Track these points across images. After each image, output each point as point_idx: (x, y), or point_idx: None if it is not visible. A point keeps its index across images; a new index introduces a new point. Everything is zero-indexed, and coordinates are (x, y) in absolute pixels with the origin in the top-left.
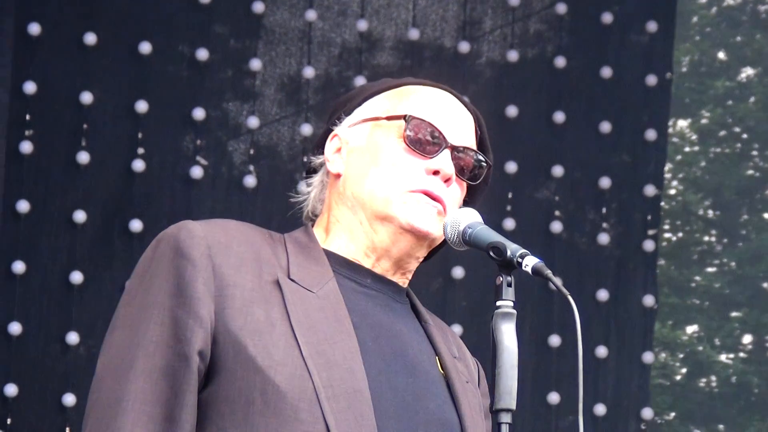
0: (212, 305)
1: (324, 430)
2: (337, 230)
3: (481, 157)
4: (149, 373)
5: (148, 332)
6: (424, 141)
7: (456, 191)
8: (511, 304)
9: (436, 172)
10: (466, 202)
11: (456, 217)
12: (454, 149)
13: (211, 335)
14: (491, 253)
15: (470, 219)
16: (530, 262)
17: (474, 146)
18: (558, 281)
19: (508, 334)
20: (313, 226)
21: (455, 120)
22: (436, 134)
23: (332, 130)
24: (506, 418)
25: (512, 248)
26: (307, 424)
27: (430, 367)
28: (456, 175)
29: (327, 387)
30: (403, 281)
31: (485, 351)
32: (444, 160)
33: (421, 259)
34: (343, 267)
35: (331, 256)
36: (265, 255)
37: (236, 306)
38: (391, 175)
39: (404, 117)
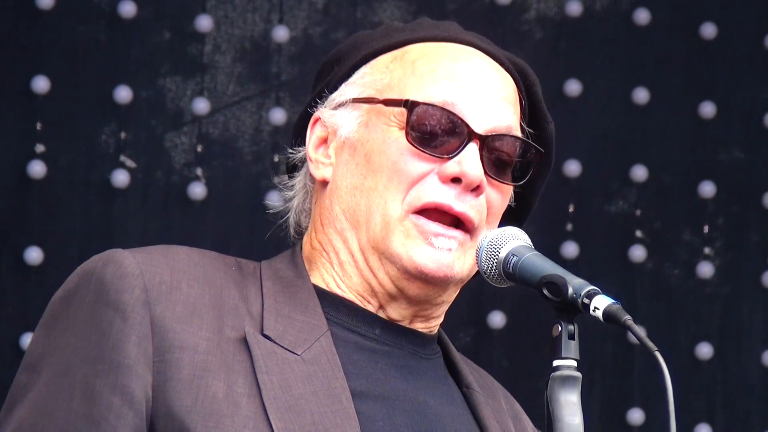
0: (149, 376)
1: None
2: (322, 260)
3: (529, 144)
4: None
5: (55, 415)
6: (437, 134)
7: (494, 200)
8: (574, 364)
9: (456, 179)
10: (513, 212)
11: (494, 240)
12: (483, 141)
13: (148, 420)
14: (545, 291)
15: (515, 243)
16: (601, 303)
17: (517, 127)
18: (641, 331)
19: (569, 408)
20: (302, 248)
21: (486, 94)
22: (454, 122)
23: (313, 112)
24: None
25: (575, 284)
26: None
27: (462, 425)
28: (491, 176)
29: None
30: (428, 328)
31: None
32: (468, 159)
33: (451, 300)
34: (340, 312)
35: (324, 296)
36: (229, 299)
37: (183, 377)
38: (390, 189)
39: (405, 103)
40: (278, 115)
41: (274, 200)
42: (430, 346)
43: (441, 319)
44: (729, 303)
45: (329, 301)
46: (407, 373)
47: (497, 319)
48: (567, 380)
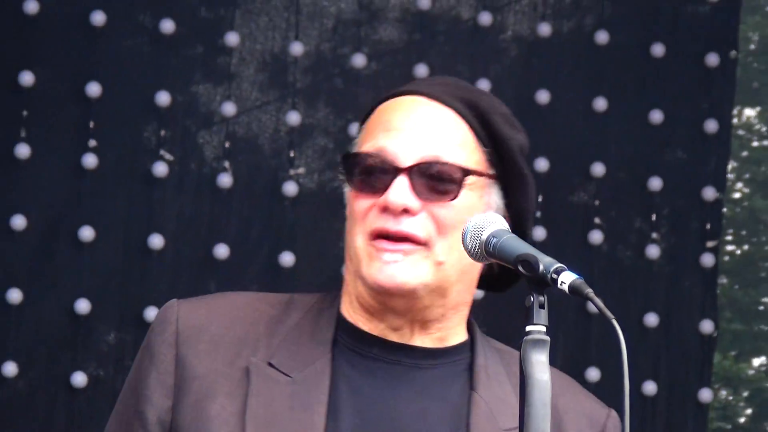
0: (168, 401)
1: None
2: (346, 290)
3: (447, 163)
4: None
5: (110, 425)
6: (371, 175)
7: (440, 215)
8: (544, 329)
9: (385, 209)
10: (515, 223)
11: (477, 224)
12: (410, 172)
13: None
14: (520, 268)
15: (495, 227)
16: (567, 278)
17: (448, 153)
18: (600, 302)
19: (539, 366)
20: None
21: (413, 132)
22: (383, 162)
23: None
24: None
25: (546, 262)
26: None
27: None
28: (426, 198)
29: None
30: (430, 340)
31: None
32: (393, 189)
33: (442, 307)
34: (350, 336)
35: (342, 322)
36: (253, 334)
37: (190, 401)
38: (353, 226)
39: (344, 157)
40: (294, 118)
41: (289, 190)
42: (438, 356)
43: (447, 329)
44: (672, 280)
45: (344, 327)
46: (399, 383)
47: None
48: (537, 343)
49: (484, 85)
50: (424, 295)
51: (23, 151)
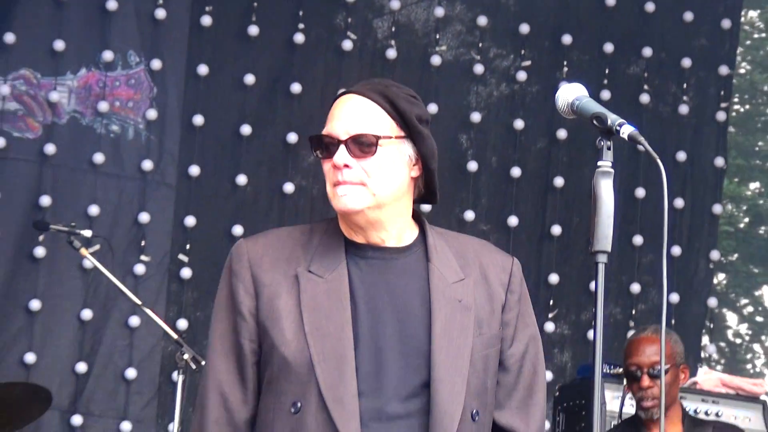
0: (253, 302)
1: (315, 385)
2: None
3: (365, 134)
4: (221, 354)
5: (217, 327)
6: (327, 147)
7: (369, 166)
8: (610, 164)
9: (335, 166)
10: (420, 153)
11: (566, 91)
12: (346, 142)
13: (256, 322)
14: (594, 122)
15: (578, 93)
16: (627, 130)
17: (368, 128)
18: (648, 145)
19: (606, 189)
20: None
21: (347, 118)
22: (330, 138)
23: None
24: (602, 258)
25: (612, 117)
26: (304, 383)
27: (417, 303)
28: (357, 156)
29: (319, 354)
30: (397, 240)
31: (584, 201)
32: (337, 154)
33: (389, 219)
34: (351, 246)
35: (345, 238)
36: (294, 254)
37: (264, 301)
38: (326, 179)
39: (310, 138)
40: (439, 11)
41: (435, 61)
42: (406, 252)
43: (400, 231)
44: (696, 129)
45: (346, 240)
46: (387, 270)
47: (562, 134)
48: (605, 173)
49: None
50: (370, 214)
51: (253, 30)
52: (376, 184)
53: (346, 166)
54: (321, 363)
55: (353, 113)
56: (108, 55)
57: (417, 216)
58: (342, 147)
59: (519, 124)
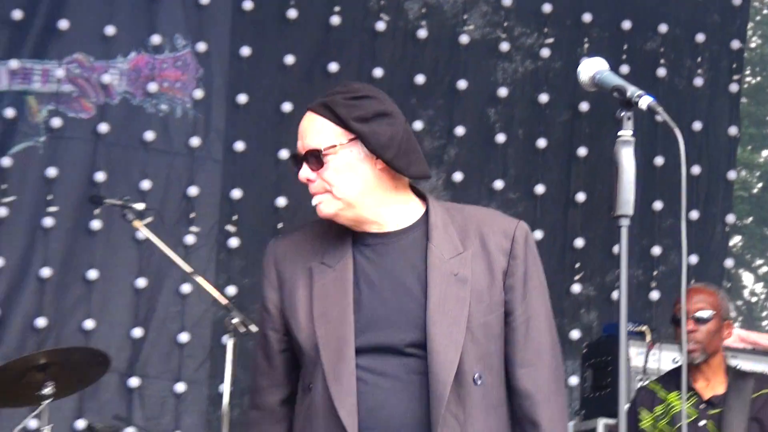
0: (277, 296)
1: (321, 365)
2: None
3: (312, 149)
4: (257, 344)
5: (258, 319)
6: (297, 164)
7: (329, 177)
8: (630, 133)
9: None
10: (372, 149)
11: (589, 65)
12: (304, 156)
13: (280, 314)
14: (615, 93)
15: (599, 67)
16: (645, 101)
17: (321, 142)
18: (666, 115)
19: (627, 157)
20: None
21: (303, 135)
22: (297, 154)
23: None
24: (625, 222)
25: (631, 90)
26: (315, 364)
27: (414, 280)
28: (314, 169)
29: (323, 337)
30: (396, 224)
31: (607, 170)
32: (302, 171)
33: (371, 211)
34: (358, 237)
35: (354, 232)
36: (313, 248)
37: (286, 294)
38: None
39: (290, 156)
40: None
41: (463, 40)
42: (401, 235)
43: (396, 215)
44: (711, 100)
45: (355, 235)
46: (386, 253)
47: (584, 107)
48: (626, 142)
49: None
50: (346, 213)
51: (292, 13)
52: (339, 189)
53: (309, 180)
54: (325, 346)
55: (306, 130)
56: (156, 39)
57: (423, 195)
58: (304, 164)
59: (543, 98)
